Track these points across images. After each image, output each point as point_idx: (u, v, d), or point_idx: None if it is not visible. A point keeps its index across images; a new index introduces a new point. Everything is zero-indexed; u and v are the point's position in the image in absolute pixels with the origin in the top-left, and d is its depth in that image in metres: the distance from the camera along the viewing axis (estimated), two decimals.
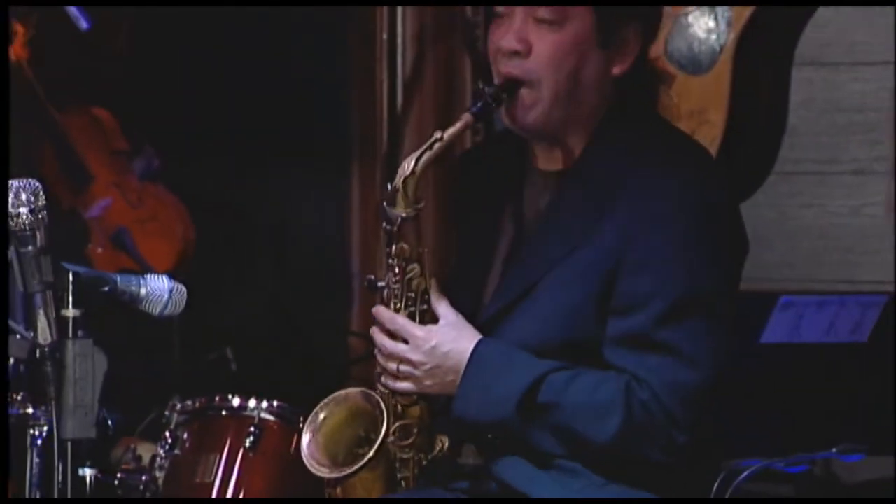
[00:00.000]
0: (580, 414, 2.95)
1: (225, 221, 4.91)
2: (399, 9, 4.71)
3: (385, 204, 3.06)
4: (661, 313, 2.93)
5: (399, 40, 4.73)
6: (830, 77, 4.29)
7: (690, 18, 4.08)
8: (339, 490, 3.12)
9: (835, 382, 3.63)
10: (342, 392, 3.16)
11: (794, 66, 4.29)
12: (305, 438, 3.11)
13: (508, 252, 3.11)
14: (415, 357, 3.05)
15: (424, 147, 3.03)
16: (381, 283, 3.57)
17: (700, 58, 4.12)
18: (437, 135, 3.02)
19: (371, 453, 3.02)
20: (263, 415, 3.77)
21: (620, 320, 2.96)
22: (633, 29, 3.04)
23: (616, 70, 3.04)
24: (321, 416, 3.13)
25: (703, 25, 4.12)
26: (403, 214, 3.05)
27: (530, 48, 3.00)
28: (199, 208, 4.82)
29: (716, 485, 3.06)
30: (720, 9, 4.10)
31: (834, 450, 3.24)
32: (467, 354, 3.02)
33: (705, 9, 4.11)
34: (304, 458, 3.09)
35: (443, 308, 3.06)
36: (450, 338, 3.04)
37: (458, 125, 3.02)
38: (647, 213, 2.95)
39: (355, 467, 3.04)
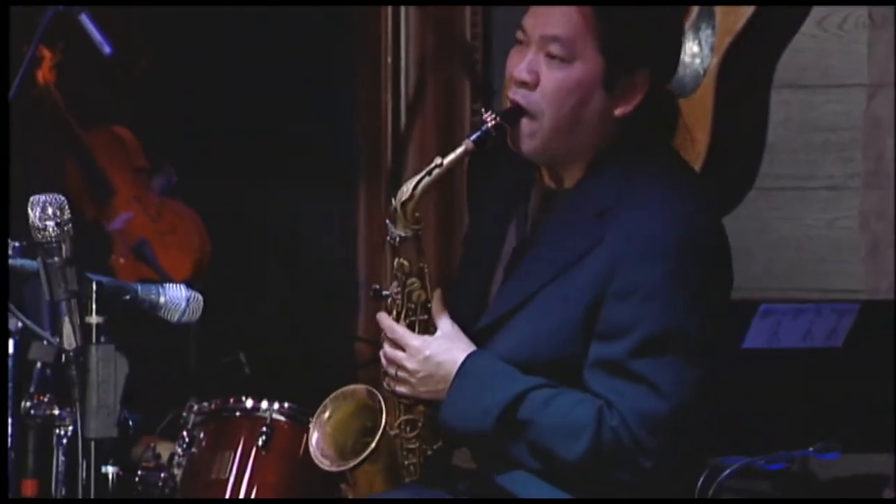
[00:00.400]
0: (554, 433, 2.95)
1: (239, 234, 4.91)
2: (402, 35, 4.71)
3: (388, 221, 3.03)
4: (637, 345, 2.91)
5: (402, 65, 4.73)
6: (806, 99, 4.28)
7: None
8: (343, 485, 3.12)
9: (811, 385, 3.62)
10: (349, 388, 3.17)
11: (772, 89, 4.29)
12: (314, 433, 3.11)
13: (510, 261, 3.10)
14: (410, 365, 3.06)
15: (424, 173, 3.02)
16: (385, 292, 3.57)
17: (685, 80, 4.12)
18: (437, 161, 3.01)
19: (367, 451, 3.02)
20: (275, 415, 3.77)
21: (600, 346, 2.95)
22: (641, 75, 3.00)
23: (618, 112, 3.01)
24: (326, 413, 3.13)
25: (687, 50, 4.12)
26: (402, 234, 3.05)
27: (538, 81, 2.99)
28: (214, 222, 4.82)
29: (700, 481, 3.04)
30: (704, 35, 4.10)
31: (811, 448, 3.23)
32: (457, 365, 3.02)
33: (690, 35, 4.10)
34: (312, 451, 3.09)
35: (441, 320, 3.07)
36: (443, 349, 3.04)
37: (458, 152, 3.01)
38: (637, 247, 2.93)
39: (354, 462, 3.04)
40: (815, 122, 4.28)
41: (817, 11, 4.23)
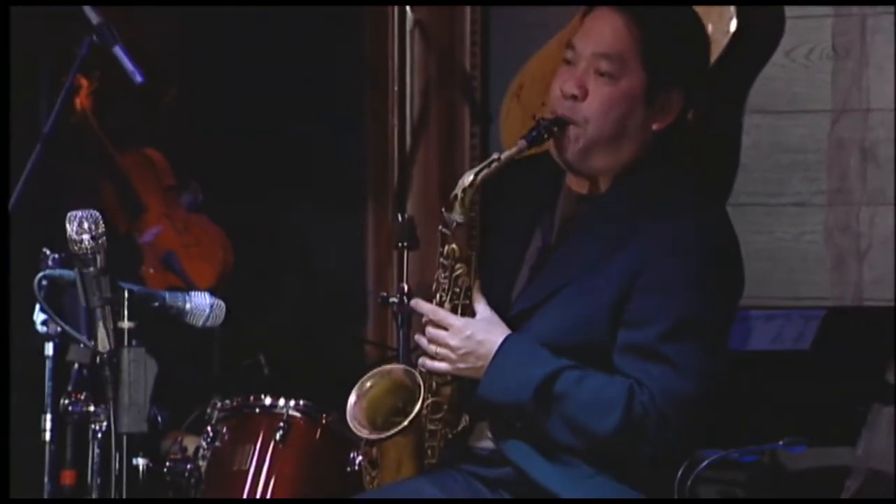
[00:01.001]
0: (587, 407, 2.97)
1: (259, 247, 4.91)
2: (408, 65, 4.71)
3: (444, 210, 3.06)
4: (665, 331, 2.94)
5: (408, 92, 4.73)
6: (775, 123, 4.28)
7: None
8: (374, 450, 3.12)
9: (781, 384, 3.61)
10: (387, 367, 3.18)
11: (745, 114, 4.28)
12: (351, 400, 3.11)
13: (536, 260, 3.11)
14: (452, 342, 3.06)
15: (484, 164, 3.05)
16: (392, 299, 3.55)
17: None
18: (495, 156, 3.05)
19: (406, 422, 3.03)
20: (291, 412, 3.77)
21: (630, 332, 2.98)
22: (677, 93, 3.06)
23: (656, 126, 3.05)
24: (368, 384, 3.13)
25: None
26: (459, 220, 3.06)
27: (586, 94, 3.02)
28: (236, 236, 4.82)
29: (680, 471, 3.03)
30: None
31: (780, 442, 3.22)
32: (497, 345, 3.03)
33: None
34: (349, 418, 3.09)
35: (481, 306, 3.08)
36: (484, 329, 3.05)
37: (513, 150, 3.05)
38: (664, 247, 2.97)
39: (393, 430, 3.04)
40: (784, 144, 4.28)
41: (786, 43, 4.24)
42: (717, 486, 4.03)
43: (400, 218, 4.03)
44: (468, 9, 4.66)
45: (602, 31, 3.04)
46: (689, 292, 2.95)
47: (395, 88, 4.74)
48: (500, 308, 3.10)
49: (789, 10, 4.23)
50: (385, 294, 3.99)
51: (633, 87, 3.02)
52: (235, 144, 4.90)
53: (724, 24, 4.04)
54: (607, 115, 3.02)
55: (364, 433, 3.07)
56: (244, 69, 4.90)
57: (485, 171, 3.02)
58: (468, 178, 3.03)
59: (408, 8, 4.69)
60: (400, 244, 3.97)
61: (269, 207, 4.93)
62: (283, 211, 4.95)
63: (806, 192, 4.25)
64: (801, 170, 4.25)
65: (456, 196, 3.03)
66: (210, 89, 4.92)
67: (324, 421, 3.75)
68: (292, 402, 3.77)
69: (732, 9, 4.03)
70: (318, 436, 3.74)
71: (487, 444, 3.11)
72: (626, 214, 3.03)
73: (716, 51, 4.05)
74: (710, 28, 4.04)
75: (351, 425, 3.08)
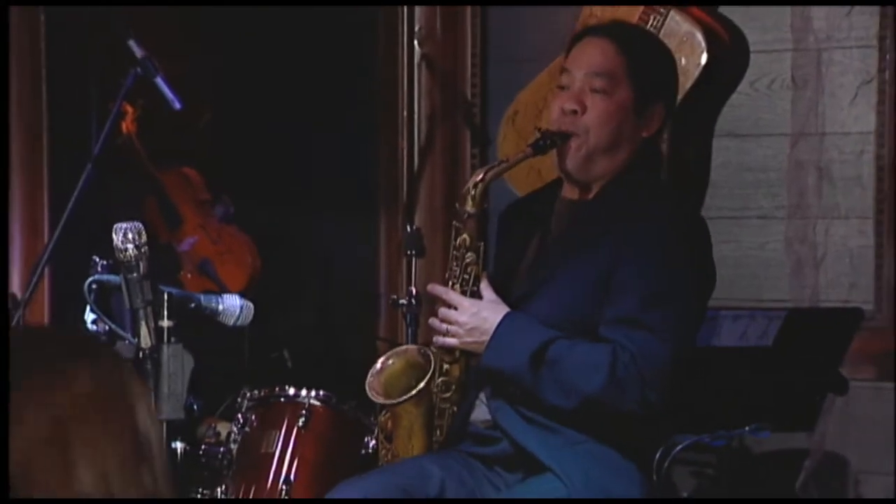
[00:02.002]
0: (576, 369, 2.96)
1: (284, 254, 4.89)
2: (416, 93, 4.69)
3: (457, 205, 3.07)
4: (642, 301, 2.95)
5: (416, 117, 4.72)
6: (742, 145, 4.26)
7: None
8: (389, 422, 3.13)
9: (747, 377, 3.58)
10: (403, 347, 3.18)
11: (714, 137, 4.26)
12: (373, 370, 3.12)
13: (535, 256, 3.13)
14: (461, 318, 3.06)
15: (492, 164, 3.10)
16: (401, 301, 3.52)
17: None
18: (504, 158, 3.10)
19: (420, 386, 3.03)
20: (312, 401, 3.73)
21: (612, 307, 2.99)
22: (659, 105, 3.09)
23: (645, 133, 3.08)
24: (389, 361, 3.14)
25: None
26: (471, 211, 3.06)
27: (585, 109, 3.02)
28: (264, 244, 4.80)
29: (657, 454, 3.00)
30: None
31: (747, 428, 3.19)
32: (498, 321, 3.03)
33: None
34: (367, 387, 3.10)
35: (487, 291, 3.08)
36: (488, 308, 3.06)
37: (520, 155, 3.06)
38: (640, 233, 2.99)
39: (405, 397, 3.04)
40: (749, 164, 4.25)
41: (750, 74, 4.22)
42: (690, 468, 4.00)
43: (408, 229, 4.01)
44: (469, 43, 4.65)
45: (593, 54, 3.07)
46: (663, 267, 2.97)
47: (405, 114, 4.71)
48: (504, 294, 3.11)
49: (753, 45, 4.20)
50: (395, 296, 3.96)
51: (624, 100, 3.05)
52: (263, 162, 4.89)
53: (696, 58, 4.02)
54: (605, 125, 3.04)
55: (380, 399, 3.08)
56: (271, 97, 4.88)
57: (493, 171, 3.06)
58: (478, 175, 3.06)
59: (416, 43, 4.68)
60: (408, 252, 3.95)
61: (293, 219, 4.91)
62: (306, 222, 4.93)
63: (768, 206, 4.22)
64: (764, 187, 4.22)
65: (468, 190, 3.04)
66: (240, 114, 4.91)
67: (341, 409, 3.72)
68: (313, 393, 3.74)
69: (703, 44, 4.01)
70: (336, 422, 3.70)
71: (484, 415, 3.10)
72: (612, 214, 3.04)
73: (688, 81, 4.02)
74: (683, 61, 4.02)
75: (369, 394, 3.09)
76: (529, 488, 3.00)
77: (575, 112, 3.04)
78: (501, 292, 3.09)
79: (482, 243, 3.09)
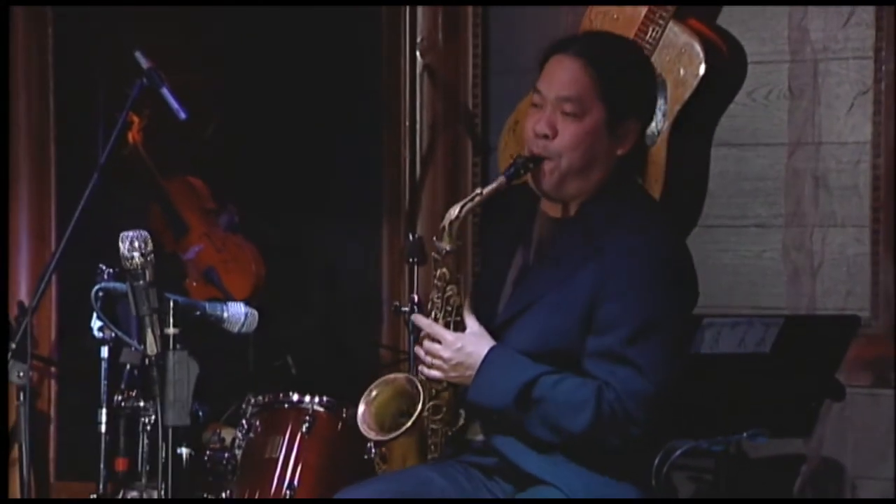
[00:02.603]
0: (561, 409, 2.94)
1: (287, 262, 4.90)
2: (418, 104, 4.71)
3: (435, 239, 3.06)
4: (627, 336, 2.93)
5: (418, 127, 4.73)
6: (739, 154, 4.27)
7: None
8: (384, 449, 3.11)
9: (745, 383, 3.59)
10: (391, 375, 3.16)
11: (712, 146, 4.27)
12: (361, 409, 3.10)
13: (517, 275, 3.10)
14: (445, 354, 3.05)
15: (467, 199, 3.04)
16: (404, 308, 3.53)
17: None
18: (478, 191, 3.04)
19: (408, 424, 3.01)
20: (316, 407, 3.75)
21: (596, 339, 2.97)
22: (633, 121, 3.04)
23: (619, 151, 3.04)
24: (373, 393, 3.12)
25: None
26: (448, 248, 3.05)
27: (556, 133, 3.00)
28: (268, 252, 4.80)
29: (657, 460, 3.01)
30: (658, 103, 4.08)
31: (745, 434, 3.20)
32: (483, 356, 3.01)
33: None
34: (359, 423, 3.07)
35: (470, 321, 3.07)
36: (472, 342, 3.05)
37: (494, 185, 3.03)
38: (623, 260, 2.95)
39: (397, 433, 3.03)
40: (746, 173, 4.27)
41: (748, 85, 4.23)
42: (688, 473, 4.02)
43: (411, 237, 4.02)
44: (470, 53, 4.67)
45: (562, 77, 3.02)
46: (646, 300, 2.93)
47: (407, 124, 4.73)
48: (487, 318, 3.09)
49: (750, 56, 4.22)
50: (398, 303, 3.98)
51: (595, 122, 3.01)
52: (267, 172, 4.90)
53: (695, 69, 4.04)
54: (577, 148, 3.01)
55: (372, 435, 3.06)
56: (275, 107, 4.90)
57: (468, 205, 3.02)
58: (454, 211, 3.02)
59: (418, 54, 4.70)
60: (411, 260, 3.96)
61: (297, 228, 4.93)
62: (309, 231, 4.94)
63: (766, 215, 4.23)
64: (762, 196, 4.24)
65: (444, 227, 3.02)
66: (245, 124, 4.92)
67: (344, 415, 3.73)
68: (317, 399, 3.76)
69: (702, 55, 4.03)
70: (339, 428, 3.72)
71: (480, 437, 3.10)
72: (591, 234, 3.01)
73: (687, 92, 4.04)
74: (681, 72, 4.04)
75: (361, 429, 3.07)
76: (530, 495, 3.01)
77: (546, 136, 3.01)
78: (485, 313, 3.07)
79: (461, 276, 3.07)
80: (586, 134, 3.00)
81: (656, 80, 3.18)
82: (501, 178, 3.01)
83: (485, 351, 3.01)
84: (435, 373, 3.05)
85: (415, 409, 3.02)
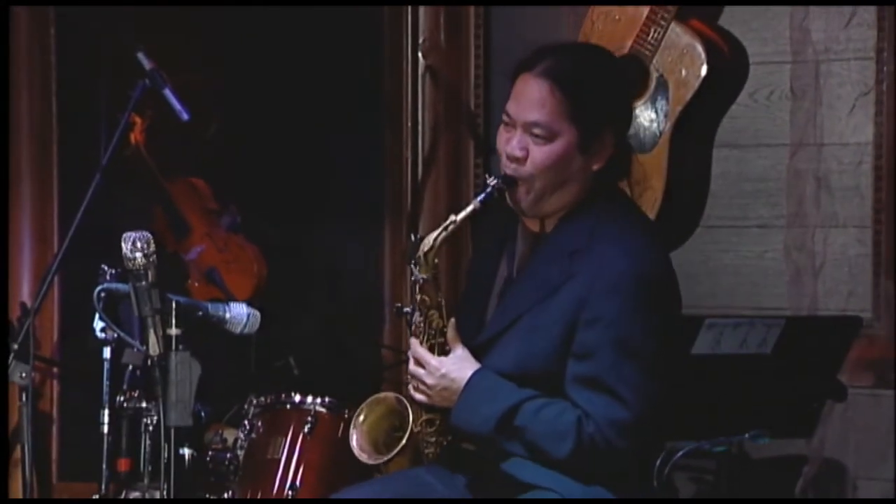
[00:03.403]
0: (543, 436, 2.95)
1: (290, 263, 4.90)
2: (420, 105, 4.71)
3: (412, 265, 3.03)
4: (605, 364, 2.91)
5: (420, 128, 4.73)
6: (741, 156, 4.27)
7: (637, 111, 4.07)
8: (381, 467, 3.11)
9: (747, 384, 3.59)
10: (381, 395, 3.16)
11: (714, 147, 4.27)
12: (353, 436, 3.11)
13: (502, 288, 3.09)
14: (429, 381, 3.05)
15: (441, 228, 3.02)
16: (406, 309, 3.53)
17: (645, 140, 4.11)
18: (452, 218, 3.01)
19: (397, 449, 3.01)
20: (318, 408, 3.75)
21: (576, 364, 2.95)
22: (608, 134, 2.99)
23: (595, 167, 3.01)
24: (360, 417, 3.13)
25: (647, 116, 4.10)
26: (424, 277, 3.04)
27: (527, 156, 2.97)
28: (270, 253, 4.80)
29: (658, 461, 3.01)
30: (659, 104, 4.09)
31: (746, 434, 3.19)
32: (466, 380, 3.00)
33: (648, 104, 4.09)
34: (354, 451, 3.08)
35: (454, 344, 3.05)
36: (455, 368, 3.04)
37: (468, 210, 3.01)
38: (602, 283, 2.92)
39: (390, 454, 3.03)
40: (748, 174, 4.27)
41: (749, 86, 4.23)
42: (690, 473, 4.02)
43: (413, 238, 4.00)
44: (472, 54, 4.67)
45: (530, 101, 2.95)
46: (624, 326, 2.89)
47: (409, 125, 4.73)
48: (474, 329, 3.07)
49: (752, 57, 4.22)
50: (400, 304, 3.97)
51: (567, 143, 2.95)
52: (269, 173, 4.90)
53: (696, 70, 4.03)
54: (549, 171, 2.96)
55: (364, 458, 3.07)
56: (277, 108, 4.90)
57: (443, 234, 3.00)
58: (428, 241, 3.01)
59: (420, 55, 4.70)
60: (412, 261, 3.95)
61: (299, 228, 4.92)
62: (311, 231, 4.94)
63: (768, 215, 4.23)
64: (764, 196, 4.24)
65: (419, 257, 3.02)
66: (247, 125, 4.92)
67: (346, 415, 3.73)
68: (319, 399, 3.76)
69: (703, 56, 4.03)
70: (341, 428, 3.72)
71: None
72: (570, 252, 2.98)
73: (689, 92, 4.04)
74: (683, 73, 4.04)
75: (357, 456, 3.08)
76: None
77: (518, 159, 2.96)
78: (470, 327, 3.06)
79: (442, 299, 3.05)
80: (558, 156, 2.95)
81: (626, 87, 3.14)
82: (476, 203, 2.97)
83: (468, 375, 3.00)
84: (421, 396, 3.06)
85: (407, 424, 3.03)
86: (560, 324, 2.94)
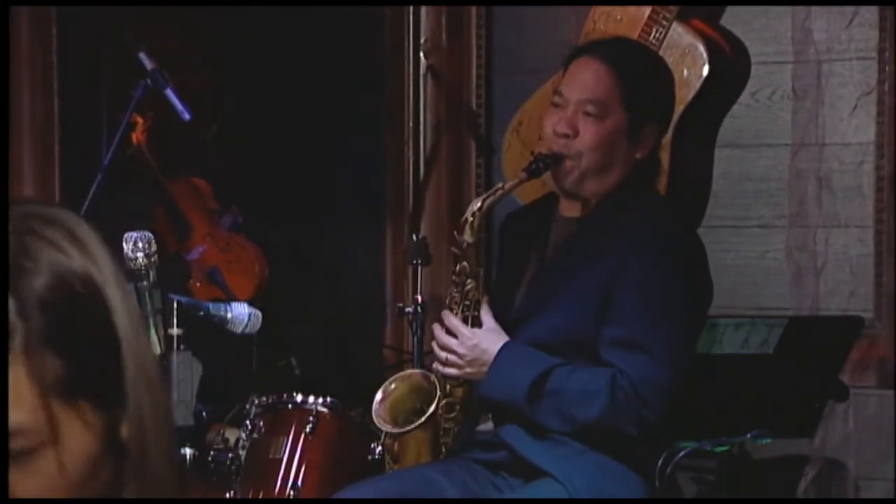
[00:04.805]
0: (574, 398, 2.98)
1: (291, 263, 4.90)
2: (421, 104, 4.71)
3: (456, 233, 3.08)
4: (642, 324, 2.96)
5: (422, 128, 4.73)
6: (743, 155, 4.27)
7: None
8: (395, 444, 3.12)
9: (748, 384, 3.58)
10: (408, 371, 3.18)
11: (716, 148, 4.27)
12: (377, 398, 3.11)
13: (534, 275, 3.11)
14: (461, 350, 3.07)
15: (490, 192, 3.09)
16: (407, 310, 3.53)
17: None
18: (500, 185, 3.08)
19: (423, 418, 3.02)
20: (319, 408, 3.75)
21: (612, 328, 2.99)
22: (652, 127, 3.09)
23: (638, 155, 3.09)
24: (392, 385, 3.13)
25: None
26: (470, 240, 3.08)
27: (577, 133, 3.02)
28: (271, 253, 4.81)
29: (660, 461, 3.01)
30: None
31: (748, 434, 3.20)
32: (497, 351, 3.03)
33: None
34: (374, 415, 3.10)
35: (487, 318, 3.10)
36: (488, 340, 3.07)
37: (515, 181, 3.08)
38: (637, 254, 2.98)
39: (413, 425, 3.04)
40: (750, 174, 4.27)
41: (751, 85, 4.23)
42: (691, 473, 4.01)
43: (414, 238, 4.02)
44: (474, 54, 4.67)
45: (587, 78, 3.06)
46: (661, 290, 2.96)
47: (411, 125, 4.73)
48: (503, 314, 3.10)
49: (754, 57, 4.22)
50: (401, 305, 3.97)
51: (616, 125, 3.04)
52: (271, 173, 4.90)
53: (698, 69, 4.03)
54: (597, 149, 3.04)
55: (387, 427, 3.07)
56: (279, 108, 4.90)
57: (490, 199, 3.06)
58: (476, 204, 3.05)
59: (421, 54, 4.70)
60: (414, 261, 3.96)
61: (300, 228, 4.93)
62: (313, 231, 4.94)
63: (769, 215, 4.23)
64: (765, 196, 4.24)
65: (466, 220, 3.05)
66: (248, 126, 4.92)
67: (348, 416, 3.73)
68: (320, 399, 3.75)
69: (705, 56, 4.03)
70: (343, 428, 3.72)
71: (488, 425, 3.11)
72: (608, 231, 3.05)
73: (690, 92, 4.04)
74: (685, 73, 4.04)
75: (376, 421, 3.08)
76: (532, 491, 3.01)
77: (567, 135, 3.04)
78: (501, 312, 3.09)
79: (481, 269, 3.10)
80: (608, 135, 3.03)
81: (674, 88, 3.22)
82: (523, 174, 3.06)
83: (499, 346, 3.01)
84: (451, 370, 3.08)
85: (429, 407, 3.03)
86: (595, 292, 2.99)
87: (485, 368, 3.02)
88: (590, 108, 3.04)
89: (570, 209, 3.12)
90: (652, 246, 2.98)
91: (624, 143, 3.06)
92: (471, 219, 3.02)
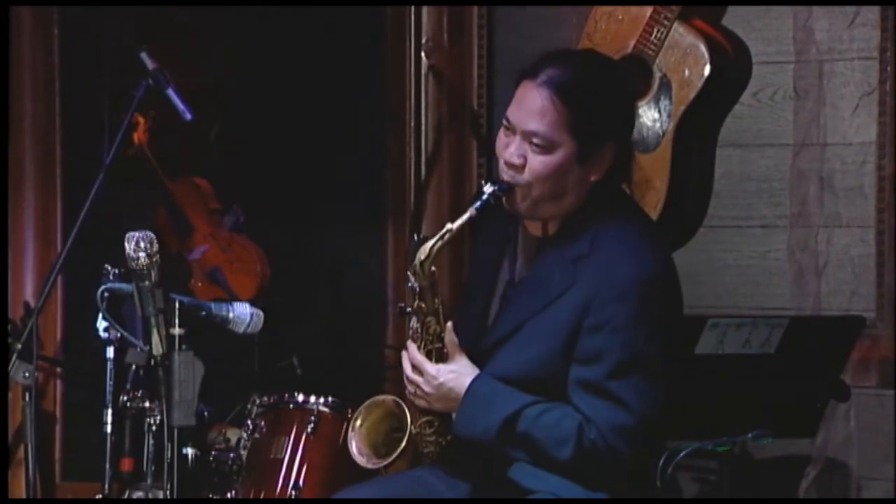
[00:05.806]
0: (545, 442, 2.95)
1: (293, 263, 4.91)
2: (423, 104, 4.71)
3: (409, 273, 3.03)
4: (608, 370, 2.91)
5: (423, 128, 4.74)
6: (744, 155, 4.27)
7: (640, 111, 4.07)
8: (382, 469, 3.12)
9: (750, 384, 3.59)
10: (379, 398, 3.16)
11: (717, 147, 4.27)
12: (352, 442, 3.12)
13: (504, 291, 3.09)
14: (426, 389, 3.06)
15: (437, 237, 3.01)
16: (409, 309, 3.53)
17: (648, 140, 4.11)
18: (448, 226, 3.00)
19: (397, 452, 3.02)
20: (321, 407, 3.76)
21: (579, 369, 2.95)
22: (608, 147, 2.98)
23: (593, 178, 3.00)
24: (357, 422, 3.14)
25: (650, 116, 4.10)
26: (422, 284, 3.04)
27: (525, 164, 2.96)
28: (273, 253, 4.81)
29: (661, 461, 3.01)
30: (663, 104, 4.09)
31: (749, 434, 3.20)
32: (465, 388, 2.99)
33: (652, 103, 4.09)
34: (354, 456, 3.08)
35: (452, 348, 3.05)
36: (452, 378, 3.04)
37: (464, 218, 3.00)
38: (605, 289, 2.92)
39: (390, 458, 3.04)
40: (751, 173, 4.27)
41: (753, 85, 4.23)
42: (693, 473, 4.02)
43: (416, 238, 4.02)
44: (475, 54, 4.67)
45: (531, 108, 2.94)
46: (628, 332, 2.90)
47: (412, 125, 4.74)
48: (476, 332, 3.07)
49: (756, 57, 4.22)
50: (403, 304, 3.96)
51: (565, 155, 2.95)
52: (272, 173, 4.91)
53: (700, 70, 4.04)
54: (546, 180, 2.96)
55: (363, 461, 3.08)
56: (281, 108, 4.90)
57: (438, 244, 2.99)
58: (424, 251, 3.00)
59: (423, 55, 4.70)
60: (408, 269, 3.96)
61: (302, 228, 4.93)
62: (315, 231, 4.94)
63: (771, 215, 4.24)
64: (767, 196, 4.24)
65: (414, 268, 3.02)
66: (249, 126, 4.93)
67: (349, 415, 3.74)
68: (322, 399, 3.77)
69: (707, 55, 4.03)
70: (344, 429, 3.72)
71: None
72: (573, 258, 2.98)
73: (692, 92, 4.04)
74: (686, 72, 4.04)
75: (357, 460, 3.08)
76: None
77: (515, 167, 2.95)
78: (469, 333, 3.05)
79: (439, 304, 3.05)
80: (555, 167, 2.94)
81: (629, 99, 3.11)
82: (472, 211, 2.97)
83: (466, 383, 3.00)
84: (420, 402, 3.06)
85: (404, 430, 3.03)
86: (563, 329, 2.94)
87: (454, 404, 2.99)
88: (536, 141, 2.93)
89: (533, 227, 3.06)
90: (621, 285, 2.89)
91: (576, 169, 2.94)
92: (419, 267, 2.99)
